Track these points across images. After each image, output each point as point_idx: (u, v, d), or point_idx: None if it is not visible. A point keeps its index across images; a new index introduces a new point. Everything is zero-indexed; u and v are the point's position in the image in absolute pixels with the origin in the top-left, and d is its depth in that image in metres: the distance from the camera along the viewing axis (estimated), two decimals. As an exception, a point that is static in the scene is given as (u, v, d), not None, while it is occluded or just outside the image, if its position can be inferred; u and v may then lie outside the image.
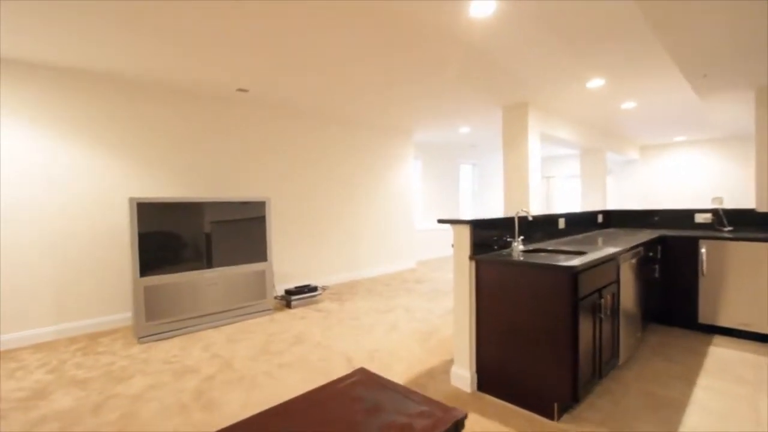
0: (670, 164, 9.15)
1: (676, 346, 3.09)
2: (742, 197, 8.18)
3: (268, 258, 4.19)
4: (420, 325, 3.72)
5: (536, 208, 5.24)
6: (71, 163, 3.61)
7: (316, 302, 4.61)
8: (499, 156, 10.65)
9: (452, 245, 2.48)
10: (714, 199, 3.85)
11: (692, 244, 3.37)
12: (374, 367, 2.76)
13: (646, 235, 3.42)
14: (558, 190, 11.18)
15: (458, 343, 2.47)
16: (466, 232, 2.38)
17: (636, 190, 9.65)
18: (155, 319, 3.42)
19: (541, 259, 2.18)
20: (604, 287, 2.30)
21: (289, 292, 4.46)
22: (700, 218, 3.83)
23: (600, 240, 3.15)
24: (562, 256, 2.30)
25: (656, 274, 3.35)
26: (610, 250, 2.47)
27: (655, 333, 3.37)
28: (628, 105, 5.36)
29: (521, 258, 2.23)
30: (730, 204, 8.28)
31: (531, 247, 2.73)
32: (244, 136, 4.76)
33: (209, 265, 3.77)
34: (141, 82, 3.98)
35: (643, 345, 3.10)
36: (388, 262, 6.59)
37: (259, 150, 4.90)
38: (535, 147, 5.25)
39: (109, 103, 3.81)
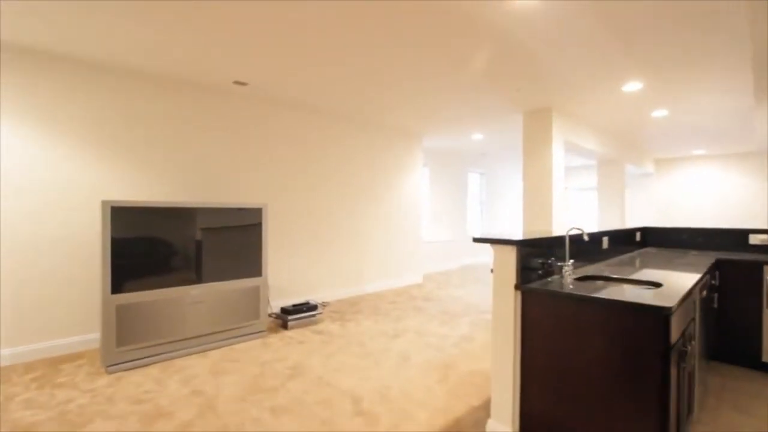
0: (687, 178, 8.75)
1: (743, 391, 2.61)
2: (764, 214, 7.77)
3: (264, 272, 3.69)
4: (435, 355, 3.23)
5: (560, 222, 4.79)
6: (36, 164, 3.13)
7: (316, 323, 4.11)
8: (509, 166, 10.24)
9: (491, 270, 2.00)
10: (770, 219, 3.41)
11: (755, 271, 2.91)
12: (387, 414, 2.27)
13: (700, 259, 2.96)
14: (571, 203, 10.76)
15: (497, 392, 1.98)
16: (511, 255, 1.91)
17: (651, 204, 9.24)
18: (128, 344, 2.92)
19: (611, 292, 1.71)
20: (686, 328, 1.83)
21: (285, 311, 3.96)
22: (756, 239, 3.38)
23: (651, 263, 2.68)
24: (631, 288, 1.83)
25: (714, 305, 2.89)
26: (687, 280, 2.01)
27: (715, 373, 2.90)
28: (660, 113, 4.94)
29: (572, 287, 1.76)
30: (756, 223, 7.87)
31: (581, 273, 2.26)
32: (240, 134, 4.30)
33: (197, 280, 3.27)
34: (120, 70, 3.52)
35: (705, 390, 2.62)
36: (394, 276, 6.10)
37: (256, 150, 4.43)
38: (559, 155, 4.81)
39: (83, 94, 3.34)
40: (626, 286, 1.88)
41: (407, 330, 3.90)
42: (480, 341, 3.56)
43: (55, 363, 3.03)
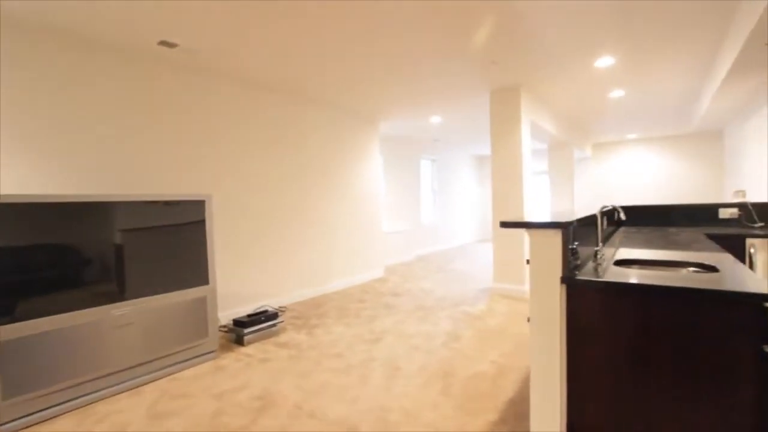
0: (621, 161, 9.31)
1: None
2: (693, 194, 8.49)
3: (211, 279, 3.00)
4: (426, 359, 2.82)
5: (530, 206, 4.63)
6: None
7: (277, 333, 3.49)
8: (460, 152, 10.17)
9: (527, 261, 1.62)
10: (736, 193, 3.49)
11: (739, 243, 2.90)
12: (397, 449, 1.81)
13: (693, 235, 2.89)
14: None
15: (539, 410, 1.62)
16: (554, 241, 1.54)
17: (588, 187, 9.72)
18: (22, 393, 2.11)
19: (676, 279, 1.41)
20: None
21: (239, 323, 3.29)
22: (725, 213, 3.43)
23: (657, 243, 2.51)
24: (691, 273, 1.55)
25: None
26: (734, 262, 1.79)
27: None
28: (617, 93, 4.99)
29: (628, 276, 1.44)
30: (686, 200, 8.57)
31: (616, 257, 1.97)
32: (173, 112, 3.49)
33: (120, 296, 2.51)
34: (3, 22, 2.58)
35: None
36: (356, 271, 5.60)
37: (194, 133, 3.65)
38: (527, 136, 4.64)
39: (-64, 44, 2.38)
40: (683, 271, 1.60)
41: (386, 332, 3.46)
42: (467, 338, 3.23)
43: None
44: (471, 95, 4.80)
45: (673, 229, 3.39)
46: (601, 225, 1.93)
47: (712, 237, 2.96)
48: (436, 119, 6.14)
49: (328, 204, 5.16)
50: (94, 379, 2.38)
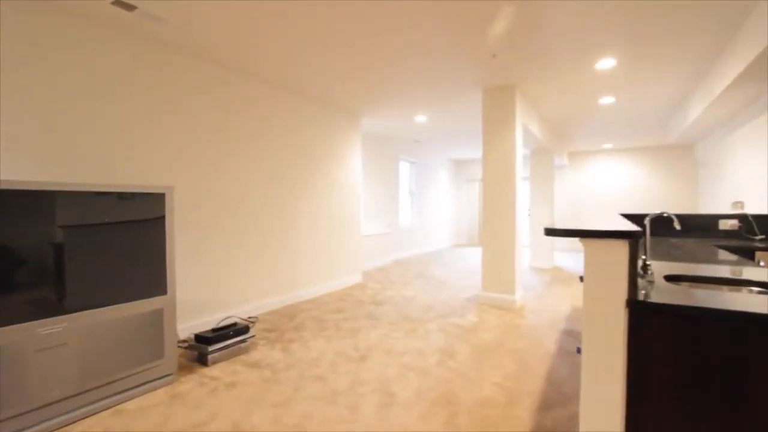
0: (596, 171, 9.43)
1: None
2: (666, 204, 8.70)
3: (170, 287, 2.51)
4: (422, 383, 2.48)
5: (520, 212, 4.41)
6: None
7: (248, 350, 3.03)
8: (440, 155, 9.97)
9: (581, 278, 1.31)
10: (735, 204, 3.41)
11: (748, 257, 2.77)
12: None
13: (706, 247, 2.73)
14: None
15: (589, 464, 1.31)
16: (619, 254, 1.24)
17: (564, 195, 9.80)
18: None
19: (754, 303, 1.15)
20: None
21: (203, 339, 2.81)
22: (725, 225, 3.33)
23: (684, 257, 2.31)
24: (761, 294, 1.30)
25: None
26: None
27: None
28: (607, 100, 4.89)
29: (687, 296, 1.17)
30: (658, 209, 8.76)
31: (664, 273, 1.71)
32: (129, 88, 2.96)
33: (56, 308, 2.00)
34: None
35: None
36: (333, 276, 5.19)
37: (152, 116, 3.13)
38: (520, 138, 4.43)
39: None
40: (744, 290, 1.35)
41: (372, 347, 3.08)
42: (463, 355, 2.92)
43: None
44: (461, 93, 4.54)
45: (674, 240, 3.25)
46: (649, 238, 1.67)
47: (723, 249, 2.82)
48: (421, 118, 5.85)
49: (305, 203, 4.73)
50: (14, 417, 1.85)
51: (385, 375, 2.59)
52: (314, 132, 4.85)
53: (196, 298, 3.45)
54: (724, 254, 2.36)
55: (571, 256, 8.62)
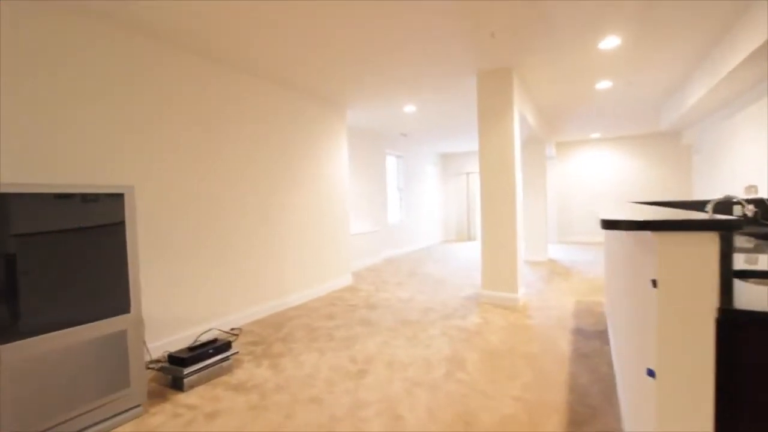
0: (583, 161, 9.33)
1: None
2: (658, 193, 8.65)
3: (134, 304, 2.14)
4: (433, 399, 2.19)
5: (520, 203, 4.16)
6: None
7: (230, 370, 2.67)
8: (427, 148, 9.69)
9: (653, 282, 1.03)
10: (748, 188, 3.23)
11: (775, 245, 2.57)
12: None
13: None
14: (477, 187, 10.75)
15: None
16: (706, 253, 0.96)
17: (552, 186, 9.67)
18: None
19: None
20: None
21: (176, 360, 2.44)
22: (738, 211, 3.15)
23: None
24: None
25: None
26: None
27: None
28: (604, 85, 4.69)
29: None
30: (647, 197, 8.70)
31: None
32: (83, 74, 2.55)
33: (4, 334, 1.61)
34: None
35: None
36: (322, 279, 4.84)
37: (111, 104, 2.72)
38: (517, 124, 4.17)
39: None
40: None
41: (371, 359, 2.77)
42: (473, 364, 2.64)
43: None
44: (454, 78, 4.25)
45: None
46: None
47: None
48: (410, 108, 5.54)
49: (290, 201, 4.36)
50: (-76, 481, 1.46)
51: (389, 393, 2.28)
52: (298, 124, 4.48)
53: (171, 311, 3.06)
54: (757, 242, 2.13)
55: (562, 248, 8.50)
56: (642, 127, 7.78)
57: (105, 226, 2.05)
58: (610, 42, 3.40)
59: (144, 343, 2.31)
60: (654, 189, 8.60)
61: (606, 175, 9.09)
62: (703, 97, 4.15)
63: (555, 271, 5.92)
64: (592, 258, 6.97)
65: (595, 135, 8.67)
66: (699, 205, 3.13)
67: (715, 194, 5.74)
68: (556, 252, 7.88)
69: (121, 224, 2.10)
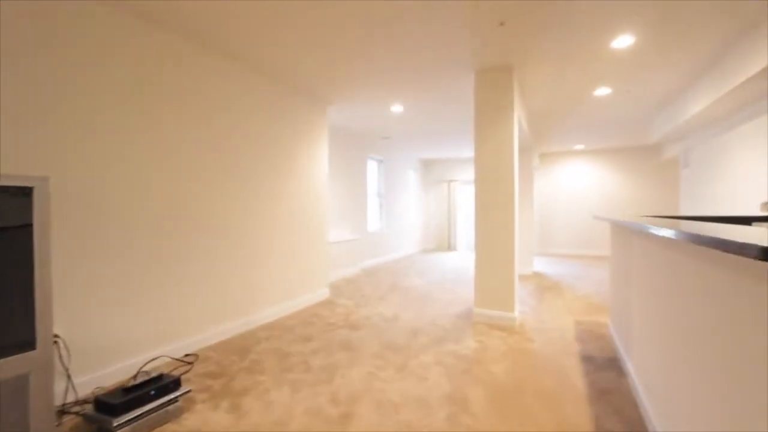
0: (565, 173, 9.24)
1: None
2: (644, 206, 8.62)
3: (41, 337, 1.58)
4: (438, 458, 1.73)
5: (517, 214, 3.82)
6: None
7: (178, 415, 2.12)
8: (409, 153, 9.33)
9: None
10: (764, 205, 3.00)
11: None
12: None
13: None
14: (459, 196, 10.48)
15: None
16: None
17: (536, 197, 9.52)
18: None
19: None
20: None
21: (104, 407, 1.88)
22: (759, 227, 2.90)
23: None
24: None
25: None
26: None
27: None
28: (603, 91, 4.46)
29: None
30: (629, 211, 8.65)
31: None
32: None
33: None
34: None
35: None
36: (296, 293, 4.31)
37: (30, 76, 2.15)
38: (516, 128, 3.84)
39: None
40: None
41: (356, 397, 2.29)
42: (480, 404, 2.22)
43: None
44: (448, 76, 3.88)
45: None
46: None
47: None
48: (397, 108, 5.14)
49: (260, 205, 3.83)
50: None
51: (381, 448, 1.81)
52: (271, 119, 3.97)
53: (110, 335, 2.47)
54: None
55: (545, 260, 8.30)
56: (627, 140, 7.73)
57: (2, 230, 1.49)
58: (624, 41, 3.13)
59: (69, 377, 1.74)
60: (637, 202, 8.58)
61: (588, 187, 9.02)
62: (707, 107, 3.97)
63: (544, 285, 5.63)
64: (578, 272, 6.76)
65: (579, 146, 8.58)
66: (742, 221, 2.87)
67: (707, 210, 5.65)
68: (540, 265, 7.65)
69: (27, 228, 1.55)
